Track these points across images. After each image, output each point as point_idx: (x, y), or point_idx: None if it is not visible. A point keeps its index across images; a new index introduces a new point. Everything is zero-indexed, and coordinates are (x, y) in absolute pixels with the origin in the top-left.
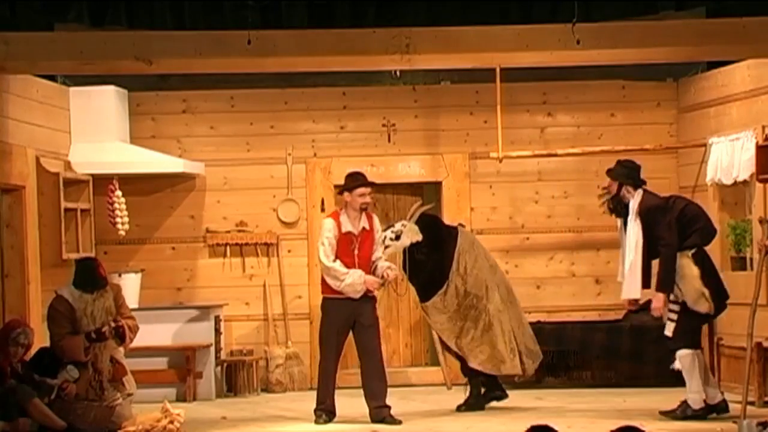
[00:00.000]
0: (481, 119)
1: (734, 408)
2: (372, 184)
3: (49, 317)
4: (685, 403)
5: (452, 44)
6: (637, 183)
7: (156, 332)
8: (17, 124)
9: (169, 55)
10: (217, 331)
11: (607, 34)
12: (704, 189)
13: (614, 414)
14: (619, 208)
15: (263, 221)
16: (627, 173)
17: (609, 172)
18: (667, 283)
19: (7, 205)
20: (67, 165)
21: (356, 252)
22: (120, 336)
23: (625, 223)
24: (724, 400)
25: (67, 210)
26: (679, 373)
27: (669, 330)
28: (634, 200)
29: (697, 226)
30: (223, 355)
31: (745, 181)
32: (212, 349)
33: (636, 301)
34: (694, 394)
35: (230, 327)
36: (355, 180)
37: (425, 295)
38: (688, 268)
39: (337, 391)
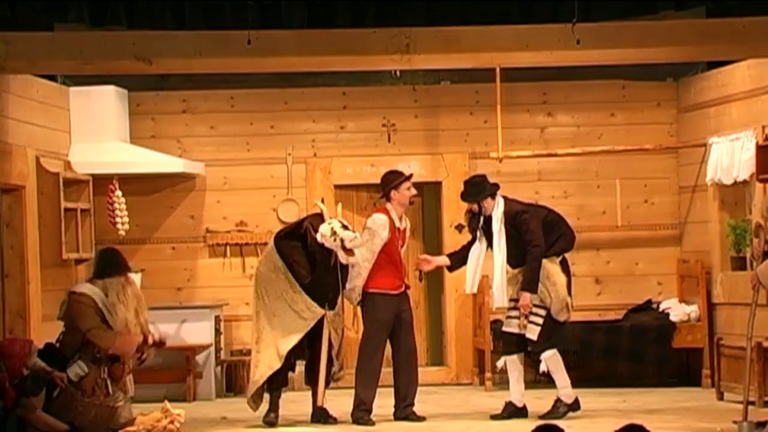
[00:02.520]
0: (481, 119)
1: (735, 408)
2: (411, 176)
3: (77, 312)
4: (559, 400)
5: (452, 44)
6: (492, 192)
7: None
8: (17, 124)
9: (169, 55)
10: (217, 331)
11: (607, 34)
12: (704, 189)
13: (614, 414)
14: (476, 224)
15: (263, 221)
16: (479, 189)
17: (463, 196)
18: (535, 283)
19: (7, 205)
20: (67, 165)
21: (399, 249)
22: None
23: (488, 235)
24: (576, 399)
25: (67, 210)
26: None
27: (534, 333)
28: (496, 209)
29: (560, 232)
30: (223, 355)
31: (745, 181)
32: (212, 349)
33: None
34: (565, 389)
35: (230, 327)
36: (398, 176)
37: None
38: (558, 276)
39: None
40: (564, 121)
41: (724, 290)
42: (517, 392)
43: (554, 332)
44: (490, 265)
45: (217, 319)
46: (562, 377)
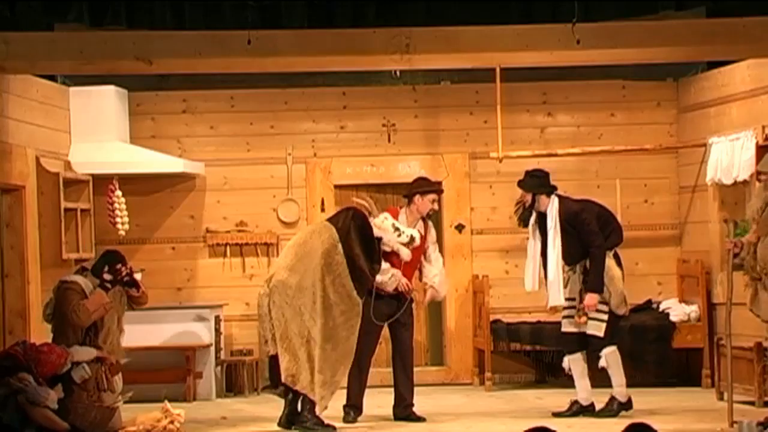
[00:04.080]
0: (481, 119)
1: (736, 408)
2: (441, 192)
3: (64, 297)
4: (613, 398)
5: (452, 44)
6: (550, 190)
7: (156, 332)
8: (17, 124)
9: (169, 55)
10: (217, 331)
11: (607, 34)
12: (704, 189)
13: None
14: (527, 219)
15: (263, 221)
16: (539, 183)
17: (520, 184)
18: (601, 283)
19: (7, 205)
20: (67, 165)
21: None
22: (134, 284)
23: (542, 232)
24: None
25: (67, 210)
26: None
27: (599, 330)
28: (551, 207)
29: (612, 227)
30: (223, 355)
31: (745, 181)
32: (212, 349)
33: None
34: (621, 387)
35: (230, 327)
36: (429, 185)
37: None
38: (614, 269)
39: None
40: (564, 121)
41: (724, 290)
42: (583, 390)
43: (615, 329)
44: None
45: (217, 319)
46: (619, 375)
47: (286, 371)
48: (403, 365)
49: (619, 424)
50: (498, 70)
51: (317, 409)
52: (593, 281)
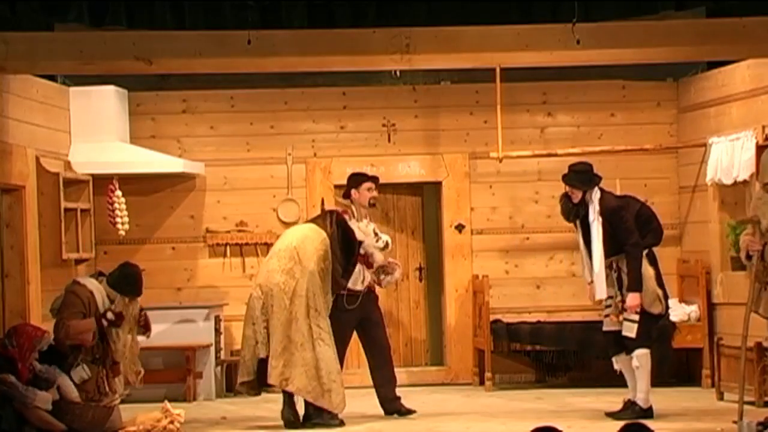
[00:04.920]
0: (481, 119)
1: (736, 408)
2: (376, 180)
3: (66, 301)
4: (633, 403)
5: (452, 44)
6: (597, 183)
7: (156, 332)
8: (17, 124)
9: (169, 55)
10: (217, 331)
11: (607, 34)
12: (704, 189)
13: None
14: (576, 214)
15: (263, 221)
16: (587, 178)
17: (568, 180)
18: (639, 282)
19: (7, 205)
20: (67, 165)
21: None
22: (146, 326)
23: (583, 225)
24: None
25: (67, 210)
26: (621, 374)
27: (631, 331)
28: (594, 200)
29: (651, 227)
30: (223, 355)
31: (745, 181)
32: (212, 349)
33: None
34: (644, 393)
35: (230, 327)
36: (359, 176)
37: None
38: (646, 268)
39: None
40: (564, 121)
41: (724, 290)
42: (641, 391)
43: (651, 327)
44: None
45: (217, 319)
46: (646, 380)
47: (281, 375)
48: (383, 362)
49: (617, 424)
50: (498, 70)
51: (337, 409)
52: (632, 280)
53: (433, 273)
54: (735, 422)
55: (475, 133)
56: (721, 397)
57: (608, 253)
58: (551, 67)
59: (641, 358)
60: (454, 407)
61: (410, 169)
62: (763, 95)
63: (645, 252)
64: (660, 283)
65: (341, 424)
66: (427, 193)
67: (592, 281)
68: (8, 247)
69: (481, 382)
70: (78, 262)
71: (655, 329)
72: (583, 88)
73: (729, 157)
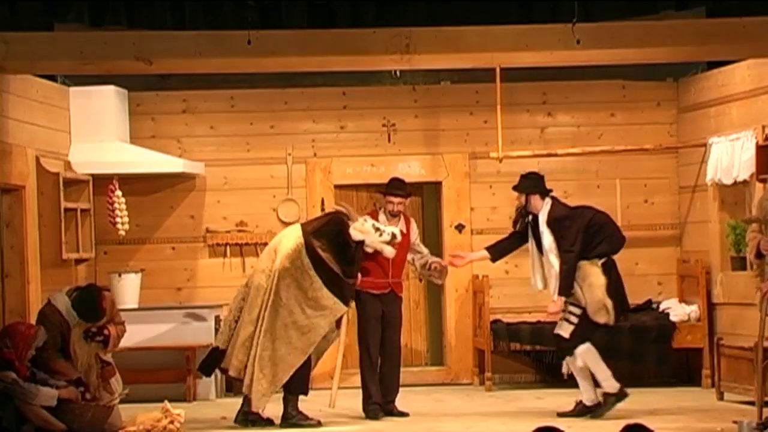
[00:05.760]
0: (481, 119)
1: (736, 408)
2: (403, 195)
3: (41, 325)
4: (604, 394)
5: (452, 44)
6: (544, 192)
7: (156, 332)
8: (17, 124)
9: (169, 55)
10: (217, 331)
11: (607, 34)
12: (704, 189)
13: (614, 414)
14: (523, 222)
15: (263, 221)
16: (532, 184)
17: (515, 187)
18: (567, 288)
19: (7, 205)
20: (67, 165)
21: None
22: (105, 344)
23: (534, 234)
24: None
25: (67, 210)
26: (570, 375)
27: (566, 331)
28: (543, 210)
29: (604, 235)
30: None
31: (745, 181)
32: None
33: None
34: (607, 380)
35: None
36: (391, 187)
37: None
38: (595, 276)
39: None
40: (564, 121)
41: (724, 290)
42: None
43: (590, 333)
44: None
45: (217, 319)
46: (601, 369)
47: (235, 368)
48: (390, 366)
49: (617, 424)
50: (498, 70)
51: (254, 407)
52: (558, 285)
53: None
54: (735, 422)
55: (475, 133)
56: (721, 397)
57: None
58: (551, 67)
59: (584, 355)
60: (454, 407)
61: (410, 169)
62: (763, 95)
63: (601, 261)
64: (613, 294)
65: (318, 424)
66: (427, 193)
67: (545, 287)
68: (8, 247)
69: (481, 382)
70: (78, 262)
71: (591, 335)
72: (583, 88)
73: (729, 157)
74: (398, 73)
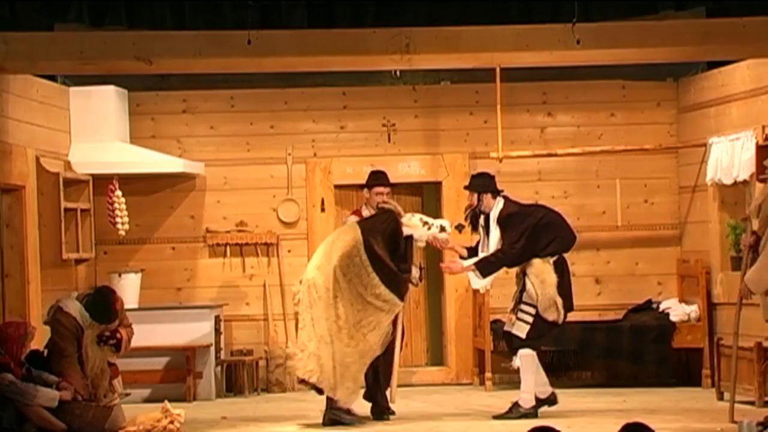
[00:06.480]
0: (481, 119)
1: (736, 408)
2: (390, 185)
3: (56, 332)
4: (516, 403)
5: (452, 44)
6: (494, 192)
7: (156, 332)
8: (17, 124)
9: (169, 55)
10: (217, 331)
11: (607, 34)
12: (704, 189)
13: (614, 414)
14: (475, 221)
15: (263, 221)
16: (482, 183)
17: (466, 186)
18: (486, 270)
19: (7, 205)
20: (67, 165)
21: None
22: (118, 348)
23: (487, 234)
24: (553, 393)
25: (67, 210)
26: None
27: (521, 331)
28: (495, 209)
29: (555, 234)
30: (223, 355)
31: (745, 181)
32: (212, 349)
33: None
34: (527, 393)
35: (230, 327)
36: (375, 179)
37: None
38: (548, 274)
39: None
40: (564, 121)
41: (724, 290)
42: (540, 383)
43: (543, 332)
44: None
45: (217, 319)
46: (530, 379)
47: (305, 369)
48: (386, 364)
49: (617, 423)
50: (498, 70)
51: (344, 404)
52: (484, 261)
53: (433, 273)
54: (735, 422)
55: (475, 133)
56: (721, 397)
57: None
58: (551, 67)
59: (524, 358)
60: (454, 407)
61: (410, 169)
62: (763, 95)
63: (553, 260)
64: (562, 292)
65: (359, 421)
66: (427, 193)
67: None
68: (8, 247)
69: (481, 382)
70: (78, 262)
71: (546, 333)
72: (583, 88)
73: (729, 157)
74: (398, 73)
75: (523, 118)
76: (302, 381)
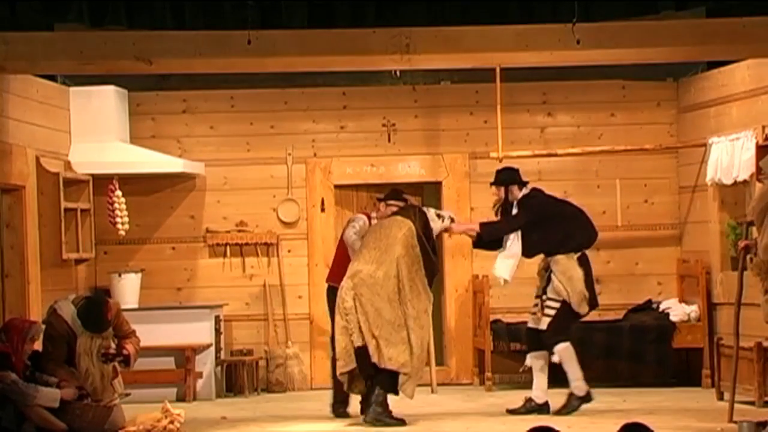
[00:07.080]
0: (481, 119)
1: (736, 408)
2: (406, 203)
3: (46, 334)
4: (571, 394)
5: (452, 44)
6: (521, 183)
7: (156, 332)
8: (17, 124)
9: (169, 55)
10: (217, 331)
11: (607, 34)
12: (704, 189)
13: (614, 414)
14: (502, 209)
15: (263, 221)
16: (507, 176)
17: (492, 183)
18: (490, 233)
19: (7, 205)
20: (67, 165)
21: None
22: (127, 363)
23: None
24: (547, 402)
25: (67, 210)
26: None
27: (543, 324)
28: (519, 197)
29: (580, 230)
30: (223, 355)
31: (745, 181)
32: (212, 349)
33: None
34: (578, 381)
35: (230, 327)
36: (395, 195)
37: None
38: (574, 270)
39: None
40: (564, 121)
41: (724, 290)
42: (539, 389)
43: (566, 326)
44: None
45: (217, 319)
46: (574, 369)
47: (381, 355)
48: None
49: (617, 423)
50: (498, 70)
51: (408, 396)
52: (489, 225)
53: None
54: (735, 422)
55: (475, 133)
56: (721, 397)
57: (531, 250)
58: (551, 67)
59: (562, 352)
60: (454, 407)
61: (410, 169)
62: (763, 95)
63: (576, 255)
64: (588, 285)
65: (402, 423)
66: (427, 193)
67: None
68: (8, 247)
69: (481, 382)
70: (78, 262)
71: (571, 326)
72: (583, 88)
73: (729, 157)
74: (398, 73)
75: (523, 118)
76: (370, 375)
